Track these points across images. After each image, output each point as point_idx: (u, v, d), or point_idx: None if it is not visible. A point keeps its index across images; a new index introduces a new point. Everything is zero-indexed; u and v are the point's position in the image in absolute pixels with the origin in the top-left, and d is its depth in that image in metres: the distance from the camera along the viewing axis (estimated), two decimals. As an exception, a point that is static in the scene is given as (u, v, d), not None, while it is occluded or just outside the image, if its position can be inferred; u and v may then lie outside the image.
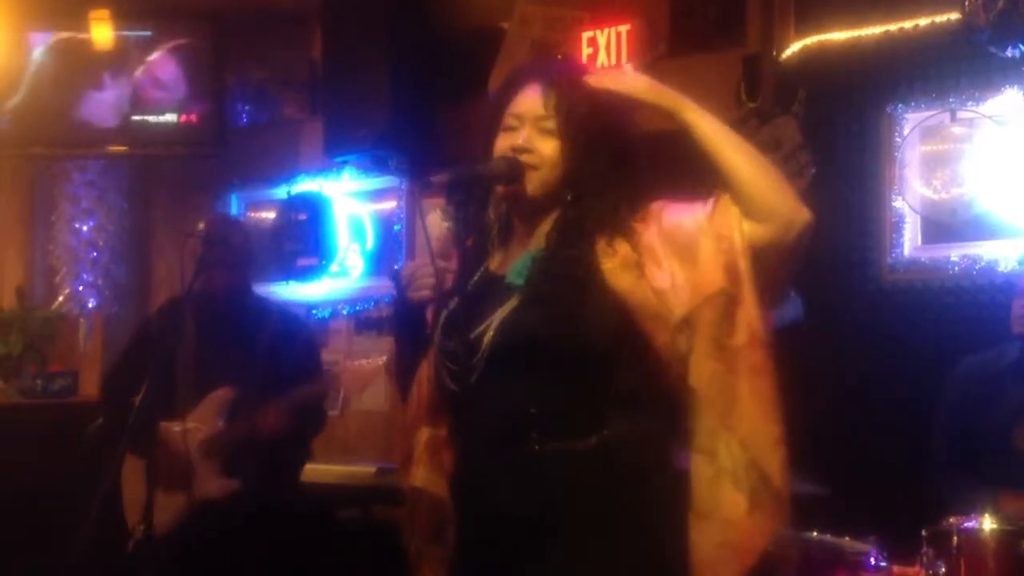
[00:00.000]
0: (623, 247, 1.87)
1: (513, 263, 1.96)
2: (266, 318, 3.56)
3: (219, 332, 3.48)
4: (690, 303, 1.82)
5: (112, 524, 3.28)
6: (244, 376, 3.38)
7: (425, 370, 2.01)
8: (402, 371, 2.08)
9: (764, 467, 1.80)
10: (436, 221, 4.32)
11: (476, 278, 1.98)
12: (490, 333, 1.87)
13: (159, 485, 3.25)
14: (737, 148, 1.84)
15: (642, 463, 1.86)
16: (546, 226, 1.95)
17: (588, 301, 1.84)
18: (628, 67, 1.75)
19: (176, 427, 3.31)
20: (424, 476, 2.01)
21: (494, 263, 2.00)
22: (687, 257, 1.84)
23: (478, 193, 1.91)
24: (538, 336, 1.85)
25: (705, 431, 1.83)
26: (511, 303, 1.88)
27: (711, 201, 1.87)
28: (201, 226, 3.61)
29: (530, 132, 1.92)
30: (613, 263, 1.85)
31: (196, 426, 3.33)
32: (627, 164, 1.93)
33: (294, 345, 3.59)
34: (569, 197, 1.92)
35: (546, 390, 1.85)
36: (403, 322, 2.06)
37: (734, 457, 1.81)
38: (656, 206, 1.91)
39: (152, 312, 4.00)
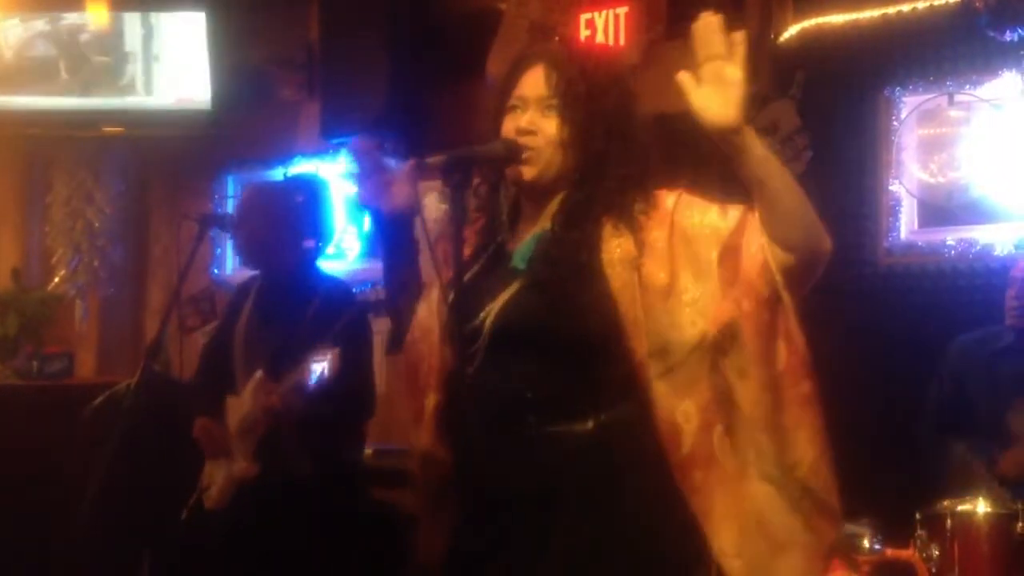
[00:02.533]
0: (626, 240, 1.86)
1: (519, 245, 1.97)
2: (313, 294, 3.53)
3: (268, 312, 3.50)
4: (715, 321, 1.82)
5: (115, 501, 3.30)
6: (280, 357, 3.37)
7: (434, 335, 2.01)
8: (394, 300, 2.08)
9: (816, 489, 1.85)
10: (434, 203, 4.32)
11: (485, 258, 1.99)
12: (491, 317, 1.88)
13: (207, 457, 3.35)
14: (782, 177, 1.78)
15: (639, 449, 1.86)
16: (553, 207, 1.95)
17: (587, 288, 1.85)
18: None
19: (237, 402, 3.35)
20: (431, 440, 2.02)
21: (505, 244, 2.01)
22: (703, 271, 1.84)
23: (482, 175, 1.92)
24: (535, 322, 1.86)
25: (755, 457, 1.84)
26: (513, 287, 1.90)
27: (734, 215, 1.84)
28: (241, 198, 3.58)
29: (534, 113, 1.92)
30: (612, 255, 1.86)
31: (238, 406, 3.35)
32: (631, 143, 1.92)
33: (334, 328, 3.51)
34: (577, 177, 1.92)
35: (543, 375, 1.86)
36: (385, 238, 2.11)
37: (787, 482, 1.84)
38: (668, 198, 1.90)
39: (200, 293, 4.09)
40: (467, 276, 1.93)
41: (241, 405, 3.34)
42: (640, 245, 1.86)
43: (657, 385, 1.84)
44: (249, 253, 3.58)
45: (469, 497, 1.94)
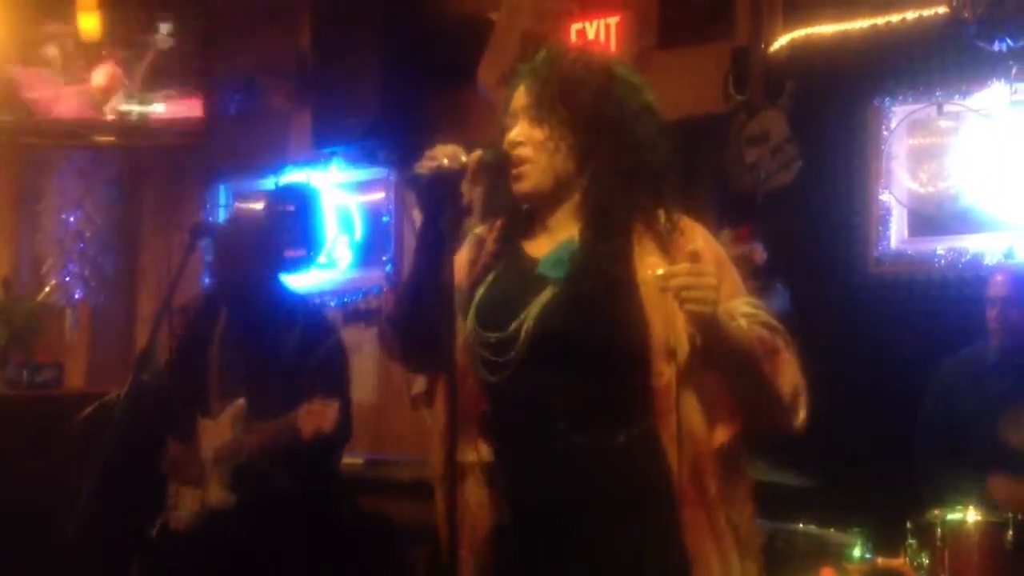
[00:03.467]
0: (658, 261, 1.84)
1: (545, 253, 1.96)
2: (292, 320, 3.50)
3: (244, 334, 3.43)
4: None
5: (105, 510, 3.29)
6: (260, 384, 3.35)
7: (461, 360, 1.94)
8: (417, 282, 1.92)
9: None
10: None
11: (504, 264, 1.98)
12: (528, 326, 1.86)
13: (175, 481, 3.30)
14: (752, 376, 1.81)
15: (670, 464, 1.85)
16: (565, 213, 1.95)
17: (623, 303, 1.85)
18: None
19: (208, 425, 3.31)
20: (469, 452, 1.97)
21: (523, 250, 1.99)
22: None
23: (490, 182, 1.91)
24: (575, 332, 1.85)
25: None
26: (545, 295, 1.88)
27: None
28: (224, 218, 3.56)
29: (522, 124, 1.93)
30: (646, 275, 1.84)
31: (217, 432, 3.32)
32: (624, 135, 1.90)
33: (316, 350, 3.50)
34: (582, 180, 1.91)
35: (577, 386, 1.85)
36: (429, 199, 1.86)
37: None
38: (698, 235, 1.90)
39: (190, 303, 3.96)
40: (486, 283, 1.95)
41: (219, 432, 3.30)
42: (672, 264, 1.82)
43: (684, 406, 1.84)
44: (231, 275, 3.50)
45: (503, 509, 1.93)
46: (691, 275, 1.70)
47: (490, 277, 1.97)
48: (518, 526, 1.91)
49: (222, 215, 5.46)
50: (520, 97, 1.95)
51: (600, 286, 1.85)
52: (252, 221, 3.71)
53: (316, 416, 3.15)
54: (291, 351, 3.39)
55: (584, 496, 1.85)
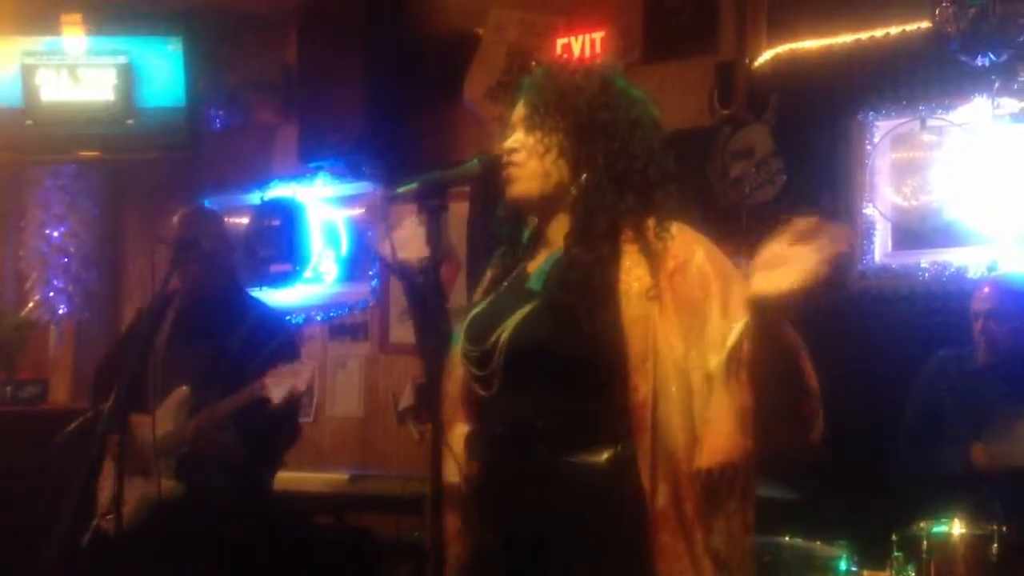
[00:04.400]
0: (644, 271, 1.83)
1: (536, 266, 1.97)
2: (243, 318, 3.51)
3: (191, 330, 3.44)
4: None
5: (86, 522, 3.25)
6: (206, 376, 3.34)
7: (457, 367, 1.98)
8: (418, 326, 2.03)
9: None
10: (412, 227, 4.30)
11: (508, 281, 1.99)
12: (503, 339, 1.86)
13: (130, 475, 3.20)
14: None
15: (643, 485, 1.81)
16: (561, 224, 1.95)
17: (598, 314, 1.82)
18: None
19: (145, 420, 3.25)
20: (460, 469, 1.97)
21: (525, 265, 2.00)
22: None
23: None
24: (544, 345, 1.84)
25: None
26: (526, 308, 1.88)
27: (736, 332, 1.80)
28: (175, 219, 3.55)
29: (518, 133, 1.94)
30: (629, 286, 1.83)
31: (160, 421, 3.28)
32: (617, 143, 1.90)
33: (266, 348, 3.53)
34: (576, 191, 1.90)
35: (555, 401, 1.84)
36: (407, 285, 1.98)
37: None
38: (697, 247, 1.87)
39: (143, 309, 3.89)
40: (487, 298, 1.96)
41: (163, 421, 3.27)
42: (656, 276, 1.82)
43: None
44: (194, 272, 3.45)
45: (484, 527, 1.91)
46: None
47: (490, 297, 1.98)
48: (495, 548, 1.89)
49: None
50: (519, 109, 1.96)
51: (574, 297, 1.83)
52: (211, 223, 3.65)
53: (287, 377, 3.11)
54: (239, 344, 3.39)
55: (552, 518, 1.83)
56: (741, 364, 1.76)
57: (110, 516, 3.17)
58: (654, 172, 1.91)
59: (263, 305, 3.76)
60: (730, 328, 1.79)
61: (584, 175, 1.90)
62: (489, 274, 2.05)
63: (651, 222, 1.89)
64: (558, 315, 1.84)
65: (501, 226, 2.03)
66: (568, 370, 1.83)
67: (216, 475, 3.33)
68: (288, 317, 5.21)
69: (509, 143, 1.94)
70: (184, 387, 3.33)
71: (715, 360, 1.78)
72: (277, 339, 3.48)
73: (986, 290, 3.54)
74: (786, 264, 1.65)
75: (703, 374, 1.79)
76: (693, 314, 1.81)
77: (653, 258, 1.85)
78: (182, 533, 3.20)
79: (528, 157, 1.91)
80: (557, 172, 1.91)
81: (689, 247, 1.86)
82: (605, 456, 1.82)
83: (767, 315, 1.71)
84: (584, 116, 1.90)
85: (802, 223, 1.67)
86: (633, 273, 1.84)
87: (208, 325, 3.46)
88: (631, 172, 1.90)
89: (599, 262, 1.85)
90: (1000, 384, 3.47)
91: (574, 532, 1.82)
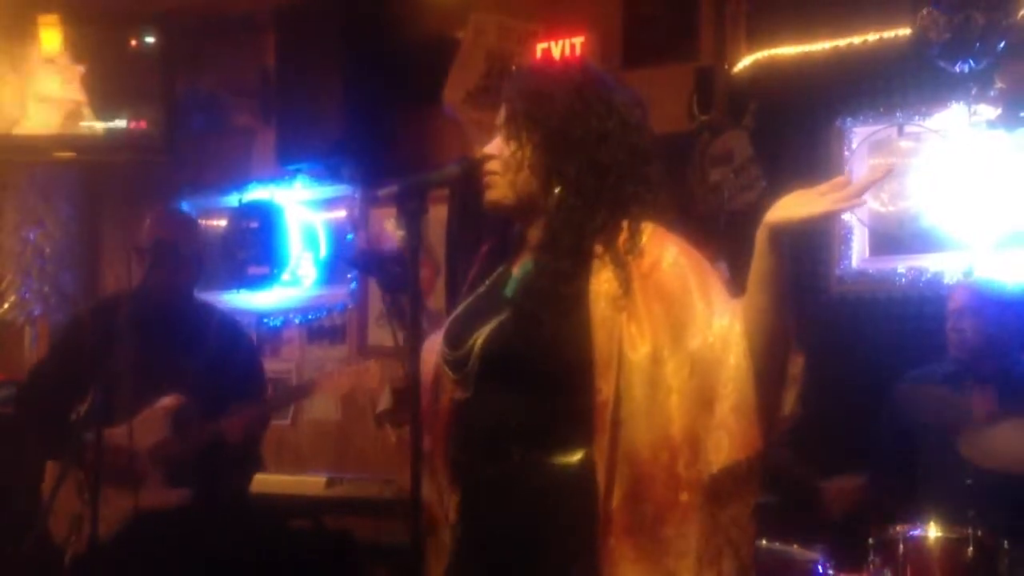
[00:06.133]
0: (612, 275, 1.83)
1: (517, 268, 1.98)
2: (208, 324, 3.49)
3: (160, 336, 3.36)
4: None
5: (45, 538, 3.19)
6: (188, 384, 3.32)
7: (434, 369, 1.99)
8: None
9: None
10: (391, 229, 4.30)
11: (488, 284, 2.00)
12: (478, 343, 1.87)
13: (108, 488, 3.13)
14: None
15: (597, 488, 1.81)
16: (537, 229, 1.95)
17: (565, 319, 1.83)
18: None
19: (122, 432, 3.22)
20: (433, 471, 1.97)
21: (509, 269, 2.01)
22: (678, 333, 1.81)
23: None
24: (514, 351, 1.85)
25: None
26: (500, 317, 1.89)
27: (727, 314, 1.80)
28: (148, 221, 3.52)
29: (498, 139, 1.95)
30: (599, 288, 1.83)
31: (144, 432, 3.25)
32: (584, 163, 1.88)
33: (237, 353, 3.52)
34: (552, 199, 1.90)
35: (528, 405, 1.84)
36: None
37: None
38: (669, 245, 1.86)
39: (82, 313, 3.70)
40: (466, 301, 1.97)
41: (153, 430, 3.26)
42: (626, 282, 1.82)
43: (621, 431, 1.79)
44: (163, 275, 3.40)
45: (459, 531, 1.92)
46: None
47: (469, 299, 1.99)
48: (471, 548, 1.90)
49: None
50: (500, 116, 1.96)
51: (538, 303, 1.84)
52: (185, 228, 3.62)
53: (348, 377, 3.33)
54: (211, 349, 3.38)
55: (526, 516, 1.84)
56: (747, 355, 1.79)
57: (73, 538, 3.11)
58: (629, 184, 1.90)
59: (224, 314, 3.72)
60: (712, 316, 1.79)
61: (555, 190, 1.89)
62: (475, 269, 2.06)
63: (624, 223, 1.89)
64: (524, 322, 1.85)
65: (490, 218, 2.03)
66: (539, 376, 1.84)
67: (200, 487, 3.30)
68: (265, 320, 5.21)
69: (489, 149, 1.95)
70: (173, 396, 3.29)
71: (701, 341, 1.78)
72: (241, 352, 3.53)
73: (959, 291, 3.57)
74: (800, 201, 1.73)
75: (690, 366, 1.78)
76: (674, 307, 1.80)
77: (624, 261, 1.84)
78: (179, 540, 3.18)
79: (504, 168, 1.92)
80: (528, 184, 1.91)
81: (662, 244, 1.86)
82: (578, 457, 1.82)
83: (778, 246, 1.76)
84: (555, 128, 1.89)
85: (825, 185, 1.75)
86: (602, 275, 1.84)
87: (177, 334, 3.42)
88: (602, 189, 1.89)
89: (568, 271, 1.86)
90: (973, 388, 3.49)
91: (548, 530, 1.83)
